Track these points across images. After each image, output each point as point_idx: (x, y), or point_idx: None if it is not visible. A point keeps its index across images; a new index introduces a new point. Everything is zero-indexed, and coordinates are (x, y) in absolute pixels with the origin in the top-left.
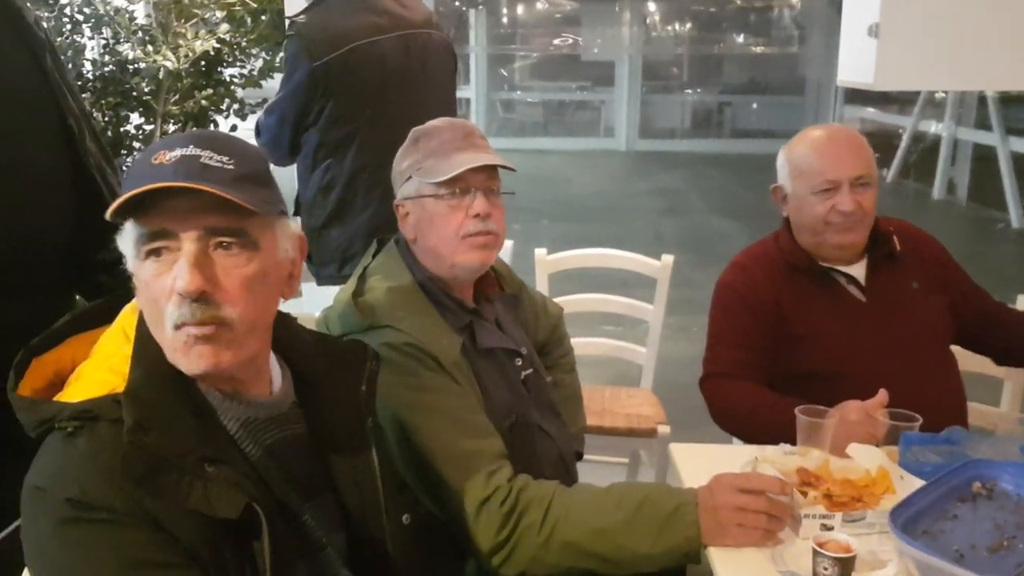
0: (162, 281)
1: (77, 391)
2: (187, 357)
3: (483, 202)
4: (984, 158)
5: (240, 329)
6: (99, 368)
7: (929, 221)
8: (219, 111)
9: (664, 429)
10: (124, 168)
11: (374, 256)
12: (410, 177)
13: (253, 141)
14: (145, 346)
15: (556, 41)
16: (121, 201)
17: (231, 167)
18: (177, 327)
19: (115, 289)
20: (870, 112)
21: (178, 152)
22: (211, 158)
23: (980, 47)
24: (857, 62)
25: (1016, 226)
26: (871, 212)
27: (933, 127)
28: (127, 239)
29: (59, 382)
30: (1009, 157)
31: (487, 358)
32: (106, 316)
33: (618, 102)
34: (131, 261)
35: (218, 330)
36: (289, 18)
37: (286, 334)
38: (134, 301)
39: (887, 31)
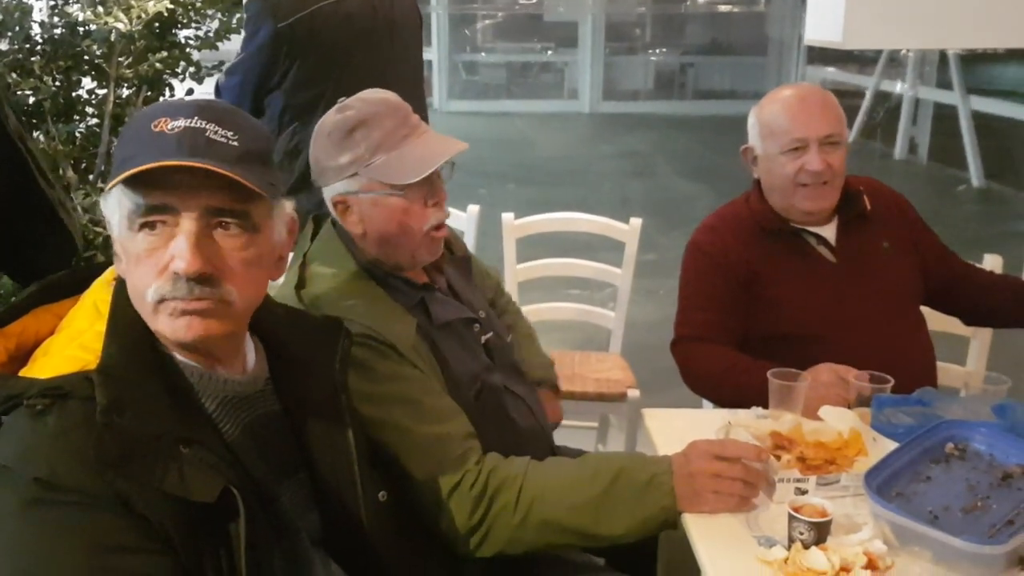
0: (156, 258)
1: (45, 367)
2: (174, 325)
3: (440, 189)
4: (945, 117)
5: (239, 308)
6: (69, 344)
7: (891, 180)
8: (174, 74)
9: (634, 393)
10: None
11: (312, 238)
12: (355, 174)
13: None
14: (121, 321)
15: (521, 1)
16: (129, 174)
17: (235, 143)
18: (160, 301)
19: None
20: (831, 72)
21: (182, 122)
22: (216, 132)
23: (950, 5)
24: (825, 21)
25: (976, 185)
26: (841, 172)
27: (894, 87)
28: (114, 205)
29: (20, 356)
30: (970, 116)
31: (445, 331)
32: (73, 288)
33: (581, 64)
34: (117, 228)
35: (215, 305)
36: None
37: (261, 311)
38: (106, 274)
39: None
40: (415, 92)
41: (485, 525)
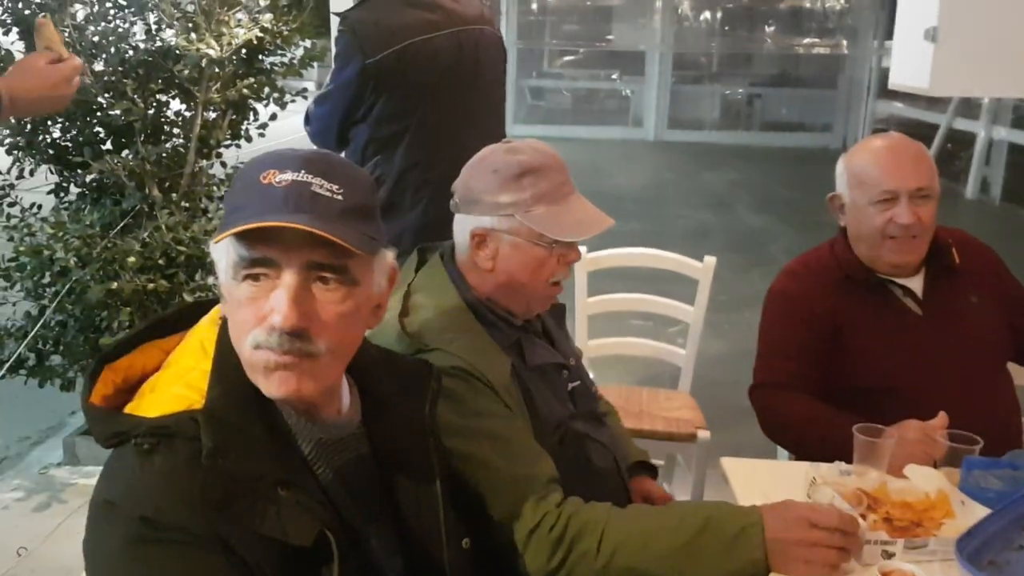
0: (257, 306)
1: (152, 405)
2: (268, 380)
3: (577, 251)
4: (1021, 158)
5: (324, 361)
6: (176, 382)
7: (962, 220)
8: (259, 99)
9: (704, 434)
10: (163, 155)
11: (416, 269)
12: (511, 215)
13: (298, 128)
14: (225, 363)
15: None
16: (238, 230)
17: (340, 197)
18: (256, 348)
19: None
20: (900, 107)
21: (289, 176)
22: (321, 186)
23: None
24: (912, 65)
25: None
26: (931, 225)
27: (967, 125)
28: (222, 252)
29: (127, 388)
30: None
31: (536, 373)
32: (180, 325)
33: (647, 91)
34: (224, 276)
35: (302, 360)
36: (340, 13)
37: (357, 353)
38: (212, 313)
39: (946, 35)
40: (497, 130)
41: (565, 570)
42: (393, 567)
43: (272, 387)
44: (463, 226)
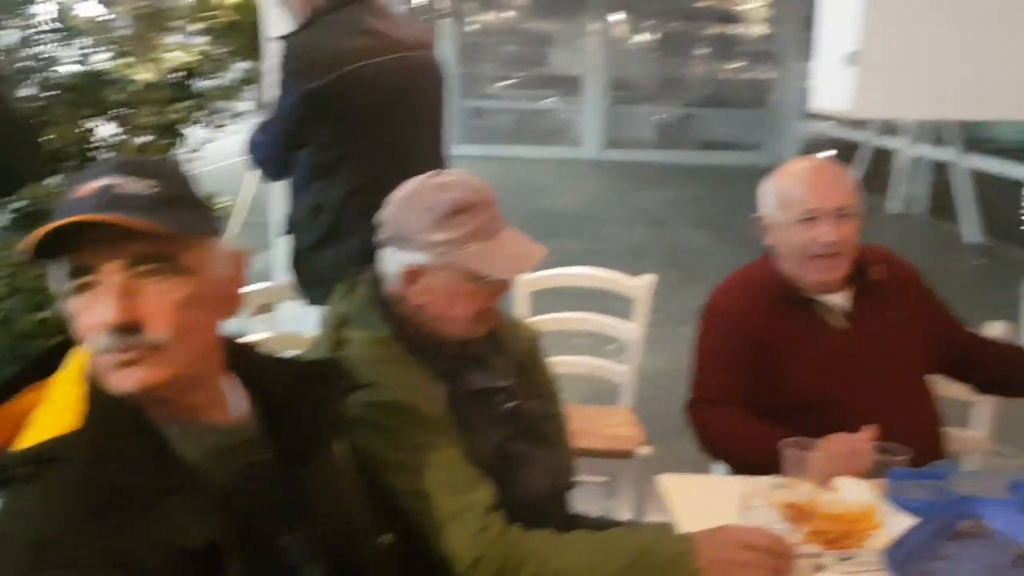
0: (90, 314)
1: (31, 437)
2: (115, 379)
3: (512, 282)
4: (945, 174)
5: (173, 350)
6: (52, 411)
7: (886, 234)
8: (193, 122)
9: (644, 450)
10: None
11: (344, 297)
12: (445, 253)
13: (237, 152)
14: (95, 380)
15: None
16: (32, 242)
17: (153, 191)
18: (101, 353)
19: None
20: (827, 126)
21: (98, 182)
22: (128, 185)
23: (964, 76)
24: (833, 89)
25: (970, 241)
26: (852, 243)
27: (890, 142)
28: (55, 279)
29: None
30: (967, 173)
31: (472, 399)
32: (58, 362)
33: (586, 112)
34: (65, 299)
35: (145, 353)
36: (282, 37)
37: (244, 358)
38: None
39: (867, 59)
40: (439, 154)
41: None
42: (317, 571)
43: (120, 383)
44: (394, 261)
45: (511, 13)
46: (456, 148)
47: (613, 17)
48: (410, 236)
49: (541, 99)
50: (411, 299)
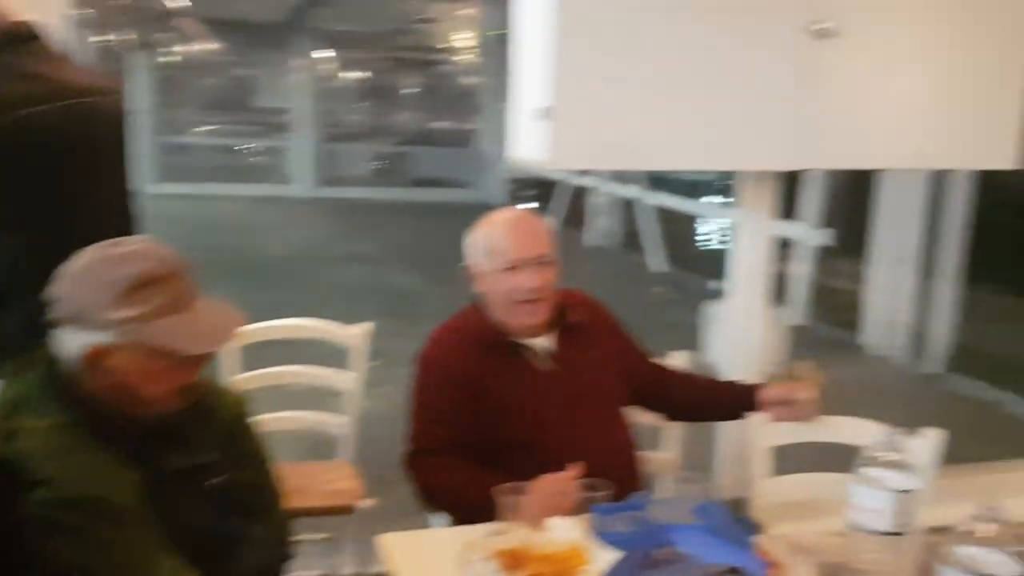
0: None
1: None
2: None
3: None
4: (631, 208)
5: None
6: None
7: (585, 265)
8: None
9: (364, 503)
10: None
11: (14, 380)
12: (130, 330)
13: None
14: None
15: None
16: None
17: None
18: None
19: None
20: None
21: None
22: None
23: (655, 129)
24: (530, 141)
25: (656, 270)
26: (551, 289)
27: (585, 181)
28: None
29: None
30: (651, 208)
31: (171, 480)
32: None
33: (297, 148)
34: None
35: None
36: None
37: None
38: None
39: (560, 114)
40: (124, 207)
41: None
42: None
43: None
44: (72, 340)
45: (213, 45)
46: (155, 187)
47: (319, 54)
48: (89, 315)
49: (248, 135)
50: (95, 381)
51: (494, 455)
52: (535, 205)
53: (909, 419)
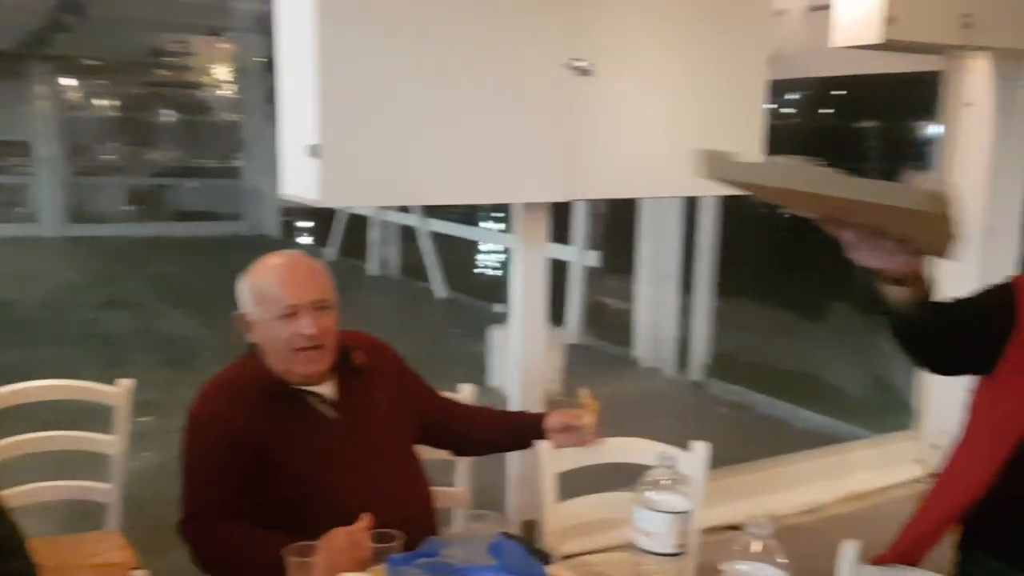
0: None
1: None
2: None
3: None
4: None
5: None
6: None
7: (367, 293)
8: None
9: (137, 574)
10: None
11: None
12: None
13: None
14: None
15: None
16: None
17: None
18: None
19: None
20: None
21: None
22: None
23: (423, 165)
24: (300, 178)
25: (439, 296)
26: (332, 333)
27: (362, 210)
28: None
29: None
30: (429, 236)
31: None
32: None
33: (42, 184)
34: None
35: None
36: None
37: None
38: None
39: (329, 151)
40: None
41: None
42: None
43: None
44: None
45: None
46: None
47: (65, 81)
48: None
49: None
50: None
51: (280, 513)
52: (310, 236)
53: (679, 425)
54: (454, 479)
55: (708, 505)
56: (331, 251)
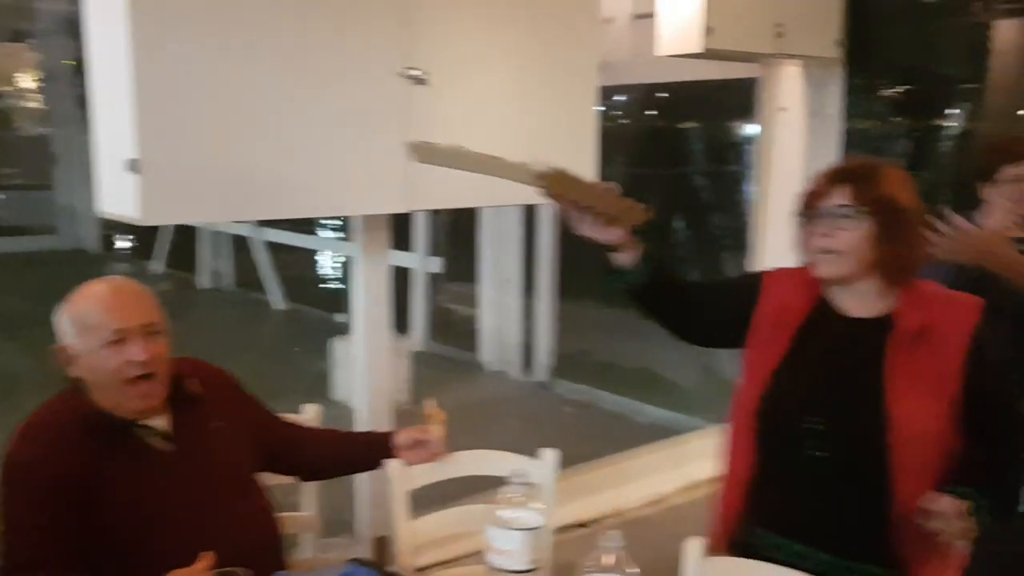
0: None
1: None
2: None
3: None
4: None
5: None
6: None
7: (200, 307)
8: None
9: None
10: None
11: None
12: None
13: None
14: None
15: None
16: None
17: None
18: None
19: None
20: None
21: None
22: None
23: (253, 179)
24: (119, 195)
25: (278, 308)
26: (165, 360)
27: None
28: None
29: None
30: (263, 247)
31: None
32: None
33: None
34: None
35: None
36: None
37: None
38: None
39: (149, 167)
40: None
41: None
42: None
43: None
44: None
45: None
46: None
47: None
48: None
49: None
50: None
51: (115, 557)
52: (134, 249)
53: (527, 427)
54: (301, 502)
55: (558, 504)
56: (158, 264)
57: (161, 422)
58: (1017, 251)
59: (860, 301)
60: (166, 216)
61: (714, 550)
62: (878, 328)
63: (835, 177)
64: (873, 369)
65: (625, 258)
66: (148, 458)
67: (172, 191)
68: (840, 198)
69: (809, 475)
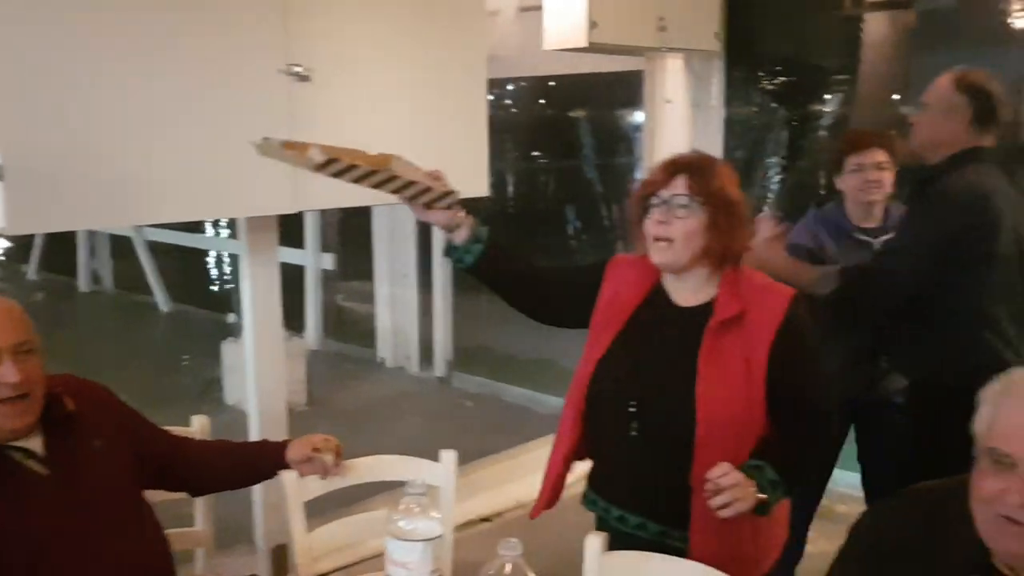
0: None
1: None
2: None
3: None
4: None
5: None
6: None
7: (80, 310)
8: None
9: None
10: None
11: None
12: None
13: None
14: None
15: None
16: None
17: None
18: None
19: None
20: None
21: None
22: None
23: (129, 183)
24: None
25: (164, 310)
26: (40, 380)
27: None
28: None
29: None
30: (146, 248)
31: None
32: None
33: None
34: None
35: None
36: None
37: None
38: None
39: (12, 173)
40: None
41: None
42: None
43: None
44: None
45: None
46: None
47: None
48: None
49: None
50: None
51: None
52: (5, 253)
53: (427, 422)
54: (195, 515)
55: (459, 500)
56: (31, 268)
57: (35, 444)
58: (784, 256)
59: (690, 290)
60: (34, 224)
61: (540, 509)
62: (700, 315)
63: (673, 168)
64: (689, 355)
65: (458, 237)
66: (22, 483)
67: (39, 198)
68: (677, 188)
69: (626, 452)
